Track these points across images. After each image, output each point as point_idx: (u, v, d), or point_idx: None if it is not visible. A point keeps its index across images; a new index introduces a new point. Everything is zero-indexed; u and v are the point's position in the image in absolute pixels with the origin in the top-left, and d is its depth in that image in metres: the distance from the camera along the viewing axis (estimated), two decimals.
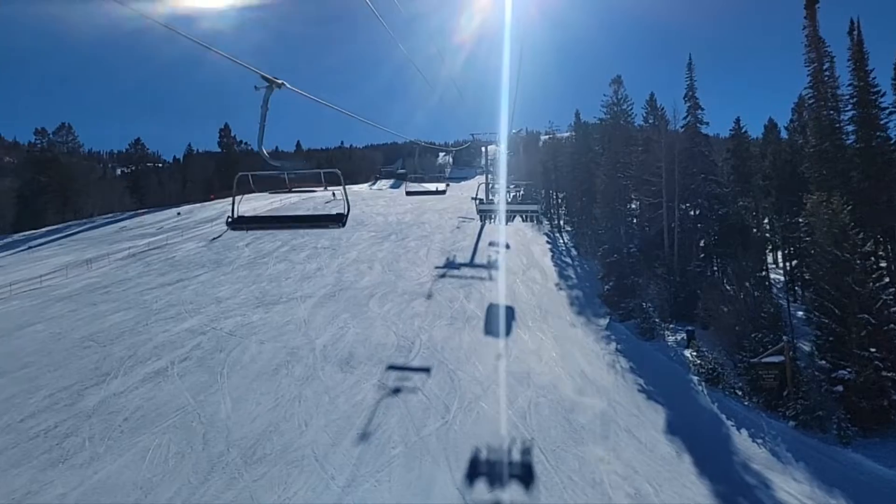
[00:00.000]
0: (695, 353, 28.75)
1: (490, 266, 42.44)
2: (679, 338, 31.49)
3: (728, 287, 30.03)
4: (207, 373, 23.52)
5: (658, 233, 40.02)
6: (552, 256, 48.63)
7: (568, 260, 48.69)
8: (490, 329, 29.89)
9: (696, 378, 26.97)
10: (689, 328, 31.20)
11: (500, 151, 40.29)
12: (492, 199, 29.64)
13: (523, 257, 46.33)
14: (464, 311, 32.43)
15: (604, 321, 33.80)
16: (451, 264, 42.97)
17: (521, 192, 33.56)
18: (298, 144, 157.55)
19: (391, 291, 35.73)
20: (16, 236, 63.99)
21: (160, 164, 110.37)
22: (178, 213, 67.21)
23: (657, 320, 33.00)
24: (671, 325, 33.19)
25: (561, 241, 56.91)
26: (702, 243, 40.57)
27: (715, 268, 39.88)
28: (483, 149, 42.44)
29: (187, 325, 29.59)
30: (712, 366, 26.59)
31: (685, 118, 42.05)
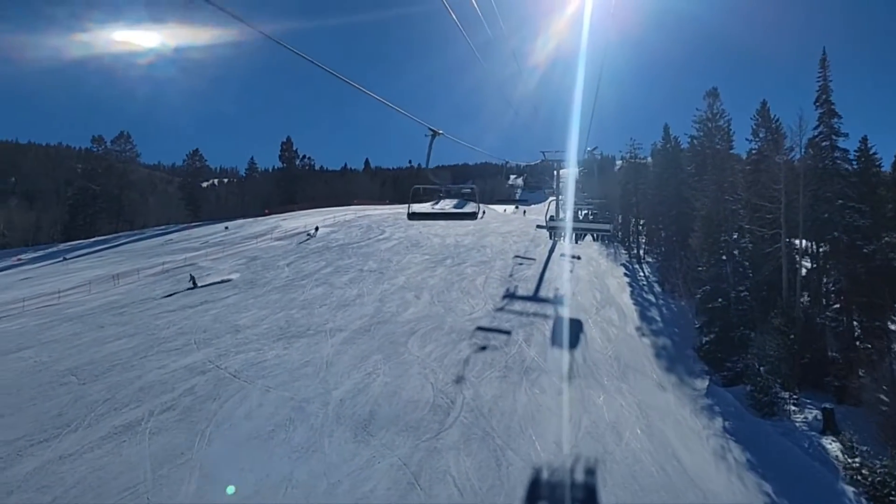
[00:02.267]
0: (842, 448, 20.93)
1: (557, 301, 35.98)
2: (810, 417, 23.86)
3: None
4: (187, 431, 18.23)
5: (775, 272, 32.14)
6: (631, 292, 41.46)
7: (651, 298, 41.34)
8: (553, 386, 23.53)
9: (851, 490, 19.22)
10: (826, 405, 23.50)
11: (570, 169, 34.48)
12: (562, 217, 27.27)
13: (597, 292, 39.49)
14: (522, 358, 26.24)
15: (702, 383, 26.47)
16: (511, 296, 36.84)
17: (594, 210, 29.35)
18: (367, 162, 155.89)
19: (437, 328, 29.92)
20: (61, 246, 62.50)
21: (226, 180, 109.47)
22: (226, 228, 64.06)
23: (779, 390, 25.19)
24: (795, 397, 25.43)
25: (641, 273, 49.46)
26: (833, 287, 32.29)
27: (855, 321, 31.10)
28: (555, 172, 37.90)
29: (189, 360, 24.64)
30: (880, 478, 18.50)
31: (816, 128, 34.43)
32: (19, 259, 51.69)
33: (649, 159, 60.88)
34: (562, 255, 47.99)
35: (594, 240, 67.12)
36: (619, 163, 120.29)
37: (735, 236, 30.53)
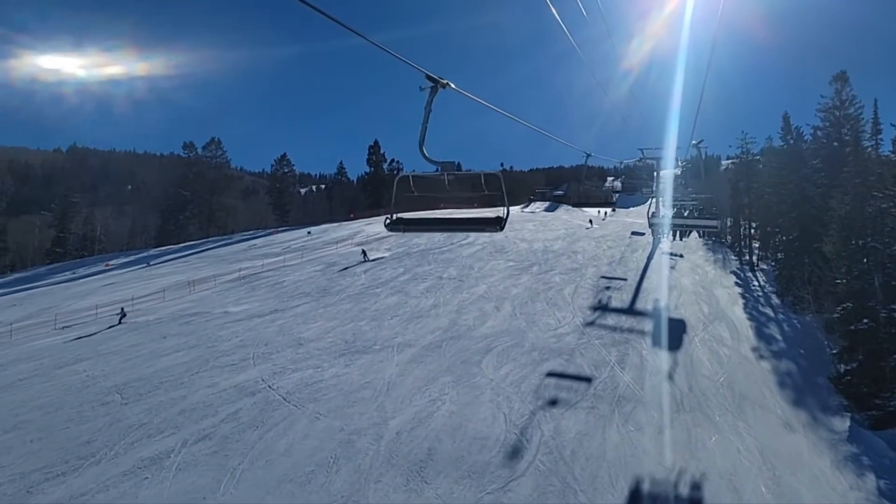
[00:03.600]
0: None
1: (656, 315, 31.62)
2: None
3: None
4: (217, 468, 16.02)
5: None
6: (745, 305, 36.02)
7: (768, 311, 35.69)
8: (652, 422, 19.62)
9: None
10: None
11: (669, 167, 30.64)
12: (663, 215, 27.11)
13: (703, 304, 34.60)
14: (614, 384, 22.45)
15: (842, 424, 21.24)
16: (603, 307, 32.90)
17: (699, 207, 26.34)
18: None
19: (516, 345, 26.64)
20: (153, 251, 64.06)
21: (316, 186, 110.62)
22: (309, 233, 63.42)
23: None
24: None
25: (755, 283, 43.51)
26: None
27: None
28: (655, 173, 35.03)
29: (242, 378, 22.77)
30: None
31: None
32: (108, 265, 53.04)
33: (760, 158, 54.26)
34: (663, 253, 46.37)
35: (700, 237, 61.36)
36: (724, 163, 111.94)
37: (890, 245, 24.67)
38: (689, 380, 23.27)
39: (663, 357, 25.62)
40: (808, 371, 26.25)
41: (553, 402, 20.54)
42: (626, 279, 36.69)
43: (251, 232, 72.20)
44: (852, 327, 24.90)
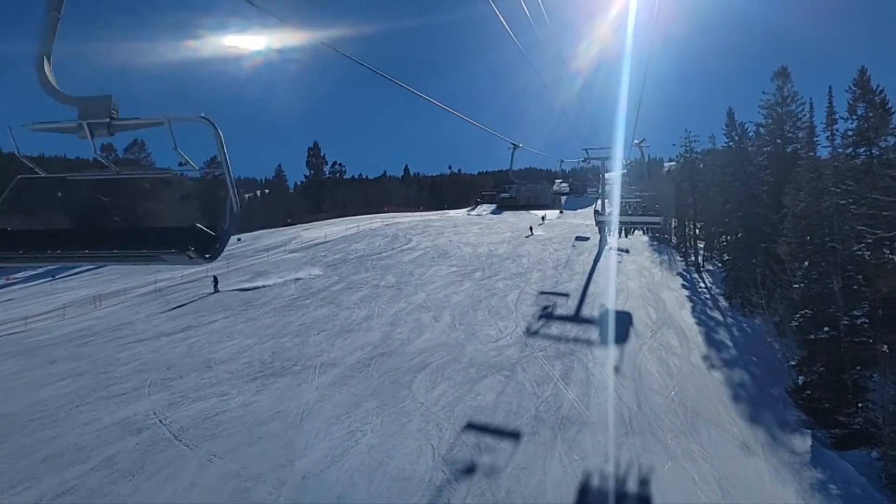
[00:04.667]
0: None
1: (603, 322, 29.75)
2: None
3: None
4: None
5: None
6: (693, 309, 34.54)
7: (717, 315, 34.28)
8: (598, 448, 17.51)
9: None
10: None
11: (616, 164, 30.03)
12: (610, 211, 27.59)
13: (651, 309, 32.95)
14: (557, 403, 20.33)
15: (802, 443, 19.16)
16: (548, 315, 30.86)
17: (643, 204, 26.10)
18: (406, 169, 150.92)
19: (453, 361, 24.27)
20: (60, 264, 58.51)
21: (260, 191, 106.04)
22: (239, 239, 59.57)
23: None
24: None
25: (702, 285, 42.34)
26: None
27: None
28: (600, 174, 34.28)
29: (130, 411, 19.61)
30: None
31: None
32: (9, 279, 48.05)
33: (701, 157, 53.51)
34: (610, 248, 46.35)
35: (644, 233, 61.71)
36: (667, 165, 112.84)
37: (852, 246, 22.88)
38: (638, 395, 21.30)
39: (610, 370, 23.63)
40: (762, 381, 24.67)
41: (488, 430, 18.21)
42: (567, 294, 34.68)
43: None
44: (811, 336, 23.13)
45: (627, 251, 48.17)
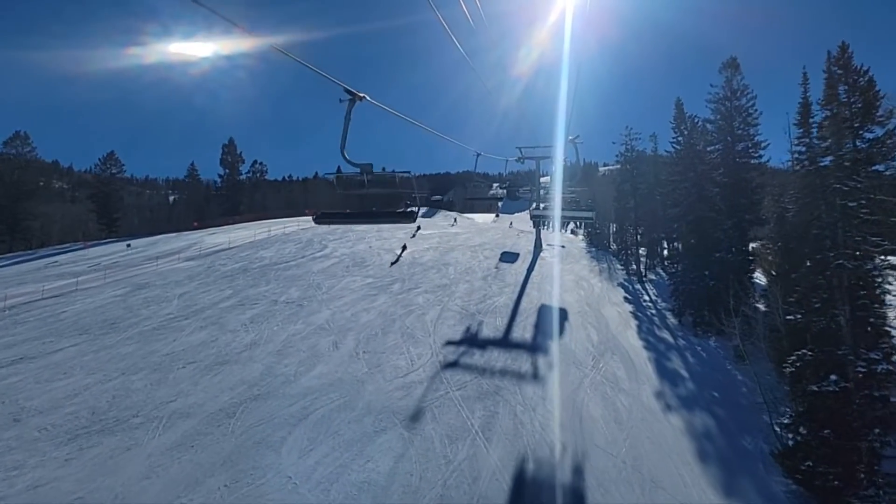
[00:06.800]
0: None
1: (538, 349, 24.94)
2: None
3: None
4: None
5: None
6: (639, 328, 30.17)
7: (666, 336, 29.95)
8: None
9: None
10: None
11: (552, 163, 28.26)
12: (545, 206, 27.47)
13: (591, 329, 28.43)
14: (474, 472, 15.34)
15: None
16: (471, 340, 25.91)
17: (576, 199, 26.16)
18: (339, 170, 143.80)
19: (345, 406, 18.99)
20: None
21: (172, 194, 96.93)
22: (128, 246, 52.13)
23: None
24: None
25: (646, 298, 38.24)
26: None
27: None
28: (538, 179, 31.48)
29: None
30: None
31: None
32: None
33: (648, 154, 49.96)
34: (548, 244, 48.51)
35: (577, 227, 59.88)
36: (602, 169, 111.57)
37: (859, 254, 17.75)
38: (578, 455, 16.43)
39: (542, 416, 18.72)
40: (730, 428, 20.16)
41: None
42: (495, 312, 30.00)
43: (65, 246, 58.85)
44: (815, 388, 17.52)
45: (563, 246, 49.82)
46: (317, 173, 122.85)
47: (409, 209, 9.92)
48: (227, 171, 79.67)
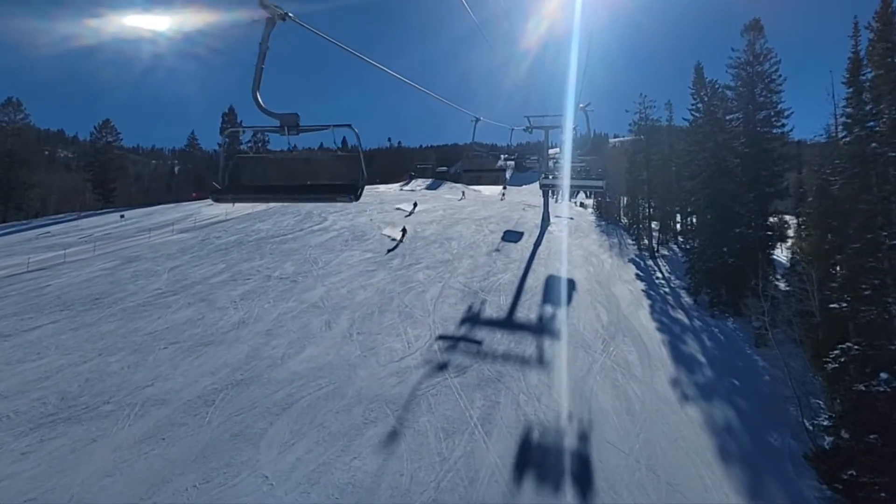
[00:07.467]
0: None
1: (544, 330, 23.32)
2: None
3: None
4: None
5: None
6: (651, 308, 28.51)
7: (681, 317, 28.27)
8: None
9: None
10: None
11: (561, 133, 27.01)
12: (555, 175, 26.96)
13: (601, 308, 26.79)
14: (471, 472, 13.97)
15: None
16: (473, 320, 24.33)
17: (586, 168, 24.83)
18: (344, 141, 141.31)
19: (334, 394, 17.48)
20: None
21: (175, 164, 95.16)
22: (122, 217, 50.67)
23: None
24: None
25: (658, 274, 36.48)
26: None
27: None
28: (547, 149, 30.24)
29: None
30: None
31: None
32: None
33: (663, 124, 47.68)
34: (556, 216, 46.21)
35: (587, 197, 58.25)
36: (612, 141, 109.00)
37: None
38: (587, 453, 14.87)
39: (547, 406, 17.17)
40: (753, 421, 18.53)
41: None
42: (499, 290, 28.38)
43: (60, 216, 57.40)
44: (862, 387, 15.41)
45: (572, 218, 48.34)
46: (322, 143, 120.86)
47: (351, 182, 6.73)
48: (228, 140, 77.37)
